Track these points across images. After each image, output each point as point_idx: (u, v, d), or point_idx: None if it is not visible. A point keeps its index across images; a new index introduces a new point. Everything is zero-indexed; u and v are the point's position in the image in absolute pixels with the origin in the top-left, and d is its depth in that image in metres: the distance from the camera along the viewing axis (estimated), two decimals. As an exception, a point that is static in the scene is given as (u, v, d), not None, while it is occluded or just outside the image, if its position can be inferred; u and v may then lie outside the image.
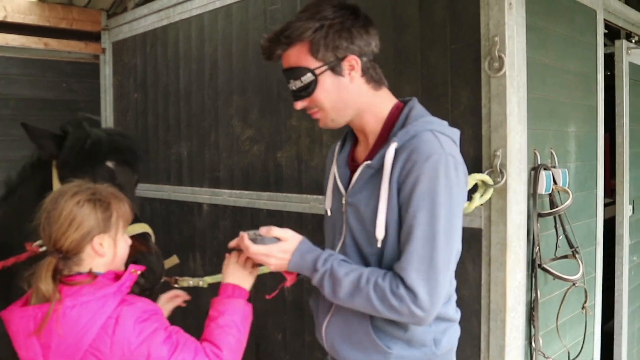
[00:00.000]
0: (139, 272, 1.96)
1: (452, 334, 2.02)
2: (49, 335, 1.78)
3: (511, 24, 2.75)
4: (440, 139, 1.81)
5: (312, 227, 3.68)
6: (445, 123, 1.95)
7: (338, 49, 1.87)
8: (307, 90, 1.92)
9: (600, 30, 3.69)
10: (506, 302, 2.80)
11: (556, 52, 3.24)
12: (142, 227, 2.57)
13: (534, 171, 3.00)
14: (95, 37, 6.00)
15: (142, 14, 5.43)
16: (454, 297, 2.07)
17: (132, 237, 2.45)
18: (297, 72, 1.91)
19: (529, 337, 3.03)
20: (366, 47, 1.91)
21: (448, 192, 1.74)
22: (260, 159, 4.17)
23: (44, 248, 2.21)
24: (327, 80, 1.90)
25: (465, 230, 2.87)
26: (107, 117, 5.96)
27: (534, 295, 3.02)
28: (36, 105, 5.57)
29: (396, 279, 1.77)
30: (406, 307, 1.74)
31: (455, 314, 2.04)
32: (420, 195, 1.75)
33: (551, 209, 3.13)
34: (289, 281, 2.06)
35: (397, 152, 1.83)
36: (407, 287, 1.74)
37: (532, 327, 3.01)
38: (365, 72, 1.94)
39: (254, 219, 4.16)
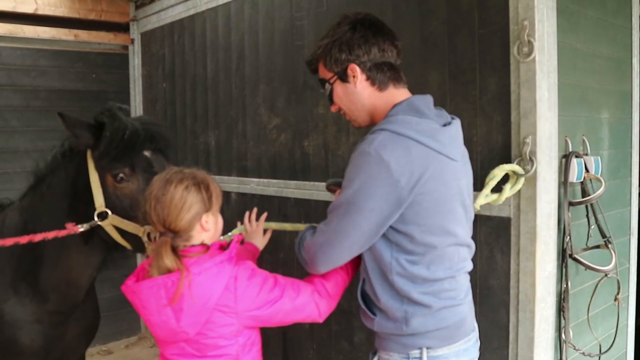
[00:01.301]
0: (241, 240, 2.24)
1: (427, 321, 2.13)
2: (180, 300, 2.02)
3: (541, 7, 2.67)
4: (379, 137, 2.03)
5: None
6: (412, 122, 2.09)
7: (340, 61, 2.22)
8: (330, 96, 2.32)
9: (636, 12, 3.58)
10: (535, 293, 2.75)
11: (588, 36, 3.15)
12: None
13: (565, 159, 2.94)
14: (123, 28, 6.06)
15: (169, 4, 5.45)
16: (437, 285, 2.14)
17: None
18: (322, 82, 2.33)
19: (559, 329, 2.97)
20: (365, 55, 2.19)
21: (359, 182, 2.01)
22: (288, 148, 4.16)
23: (82, 229, 2.59)
24: (338, 88, 2.28)
25: (494, 219, 2.86)
26: (136, 107, 6.02)
27: (564, 286, 2.96)
28: (66, 96, 5.65)
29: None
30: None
31: (433, 301, 2.13)
32: (345, 177, 2.10)
33: (583, 197, 3.07)
34: None
35: None
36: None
37: (562, 318, 2.95)
38: (368, 77, 2.21)
39: (282, 207, 4.15)
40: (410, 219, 2.03)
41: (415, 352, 2.15)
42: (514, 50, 2.74)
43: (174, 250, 2.08)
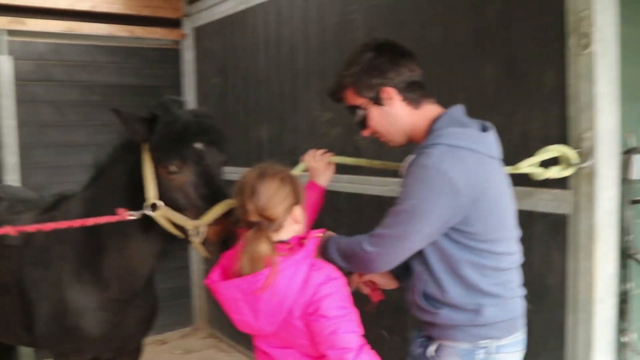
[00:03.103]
0: (320, 235, 2.31)
1: (498, 311, 2.23)
2: (256, 301, 2.10)
3: (601, -4, 2.58)
4: (435, 150, 2.12)
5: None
6: (460, 133, 2.19)
7: (373, 86, 2.31)
8: (363, 122, 2.40)
9: (703, 1, 3.42)
10: (595, 293, 2.67)
11: (651, 26, 3.02)
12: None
13: (626, 155, 2.82)
14: (176, 23, 6.14)
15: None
16: (504, 276, 2.26)
17: (222, 217, 2.55)
18: (352, 110, 2.41)
19: (620, 332, 2.87)
20: (397, 76, 2.29)
21: (420, 192, 2.11)
22: (339, 142, 4.13)
23: (133, 217, 2.65)
24: (373, 112, 2.36)
25: (550, 217, 2.79)
26: (189, 102, 6.05)
27: (626, 286, 2.85)
28: (121, 91, 5.77)
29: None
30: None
31: (503, 291, 2.25)
32: (405, 189, 2.17)
33: None
34: (375, 297, 2.67)
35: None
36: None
37: (623, 320, 2.85)
38: (404, 97, 2.32)
39: (334, 201, 4.13)
40: (473, 221, 2.15)
41: (483, 342, 2.24)
42: (571, 42, 2.67)
43: (269, 239, 2.16)
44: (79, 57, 5.60)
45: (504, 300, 2.24)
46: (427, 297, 2.29)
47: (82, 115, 5.61)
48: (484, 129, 2.31)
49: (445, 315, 2.25)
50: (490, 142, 2.27)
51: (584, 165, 2.62)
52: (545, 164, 2.66)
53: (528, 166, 2.62)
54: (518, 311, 2.32)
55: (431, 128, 2.27)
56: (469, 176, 2.11)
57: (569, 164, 2.65)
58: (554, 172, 2.65)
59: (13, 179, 5.25)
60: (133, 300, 3.07)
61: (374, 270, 2.31)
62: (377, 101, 2.33)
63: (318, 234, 2.29)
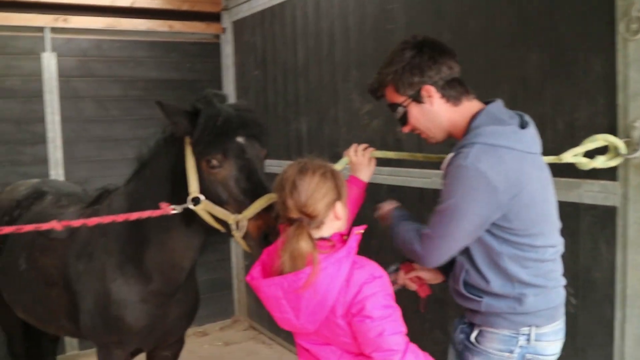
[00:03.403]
0: (362, 232, 2.22)
1: (538, 301, 2.26)
2: (297, 299, 2.08)
3: (652, -21, 2.50)
4: (473, 150, 2.16)
5: (433, 203, 3.57)
6: (498, 131, 2.22)
7: (413, 84, 2.34)
8: (404, 119, 2.44)
9: None
10: None
11: None
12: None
13: None
14: (216, 17, 6.18)
15: (260, -8, 5.48)
16: (545, 267, 2.29)
17: (262, 211, 2.55)
18: (393, 107, 2.45)
19: None
20: (437, 74, 2.33)
21: (460, 192, 2.16)
22: (380, 134, 4.10)
23: (176, 211, 2.69)
24: (413, 110, 2.40)
25: (598, 208, 2.72)
26: (229, 95, 6.04)
27: None
28: (162, 86, 5.83)
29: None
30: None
31: (544, 282, 2.28)
32: (445, 189, 2.23)
33: None
34: (423, 293, 2.68)
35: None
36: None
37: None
38: (443, 94, 2.35)
39: (375, 194, 4.08)
40: (514, 217, 2.18)
41: (524, 329, 2.28)
42: (621, 27, 2.58)
43: (310, 236, 2.12)
44: (120, 52, 5.69)
45: (545, 289, 2.28)
46: (470, 286, 2.34)
47: (123, 109, 5.69)
48: (523, 124, 2.32)
49: (487, 303, 2.29)
50: (529, 138, 2.29)
51: (632, 156, 2.54)
52: (592, 153, 2.59)
53: (573, 156, 2.56)
54: (559, 300, 2.34)
55: (469, 126, 2.31)
56: (507, 174, 2.15)
57: (616, 154, 2.57)
58: (600, 162, 2.58)
59: (58, 173, 5.37)
60: (175, 293, 3.10)
61: (425, 265, 2.36)
62: (417, 99, 2.36)
63: (360, 230, 2.23)
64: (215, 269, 6.14)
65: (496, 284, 2.26)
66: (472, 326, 2.41)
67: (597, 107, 2.74)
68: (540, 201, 2.26)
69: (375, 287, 2.10)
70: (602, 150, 2.60)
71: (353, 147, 2.81)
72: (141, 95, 5.73)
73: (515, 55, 3.09)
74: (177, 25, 5.95)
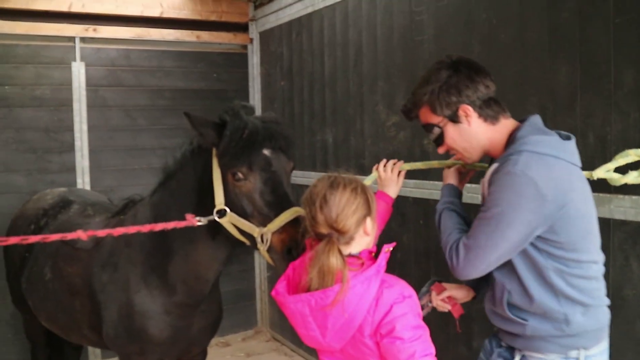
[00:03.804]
0: (391, 249, 2.17)
1: (586, 320, 2.21)
2: (324, 318, 2.03)
3: (688, -9, 2.45)
4: (522, 157, 2.13)
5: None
6: (545, 140, 2.20)
7: (451, 104, 2.31)
8: (439, 139, 2.40)
9: None
10: None
11: None
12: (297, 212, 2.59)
13: None
14: (243, 27, 6.22)
15: (287, 3, 5.51)
16: (590, 284, 2.23)
17: (287, 225, 2.52)
18: (428, 127, 2.41)
19: None
20: (474, 94, 2.29)
21: (507, 199, 2.12)
22: (406, 146, 4.07)
23: (201, 222, 2.66)
24: (450, 130, 2.36)
25: (630, 224, 2.68)
26: (255, 106, 6.10)
27: None
28: (189, 95, 5.87)
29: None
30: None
31: (589, 300, 2.21)
32: (491, 197, 2.18)
33: None
34: (456, 313, 2.62)
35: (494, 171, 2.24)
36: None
37: None
38: (480, 114, 2.32)
39: (400, 206, 4.07)
40: (559, 229, 2.13)
41: (573, 352, 2.22)
42: (654, 39, 2.53)
43: (340, 253, 2.08)
44: (148, 62, 5.74)
45: (591, 308, 2.21)
46: (513, 307, 2.27)
47: (150, 119, 5.73)
48: (565, 138, 2.29)
49: (533, 326, 2.22)
50: (573, 150, 2.27)
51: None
52: (624, 168, 2.53)
53: (605, 172, 2.50)
54: (605, 320, 2.28)
55: (514, 137, 2.27)
56: (556, 183, 2.11)
57: (647, 168, 2.51)
58: (633, 178, 2.51)
59: (84, 181, 5.41)
60: (198, 305, 3.09)
61: (460, 277, 2.27)
62: (454, 119, 2.33)
63: (389, 248, 2.18)
64: (238, 280, 6.14)
65: (542, 301, 2.19)
66: (511, 350, 2.35)
67: (628, 121, 2.68)
68: (585, 215, 2.22)
69: (406, 308, 2.05)
70: (634, 166, 2.53)
71: (382, 162, 2.78)
72: (168, 104, 5.77)
73: (545, 67, 3.05)
74: (205, 36, 5.99)
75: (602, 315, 2.26)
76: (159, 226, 2.62)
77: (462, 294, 2.61)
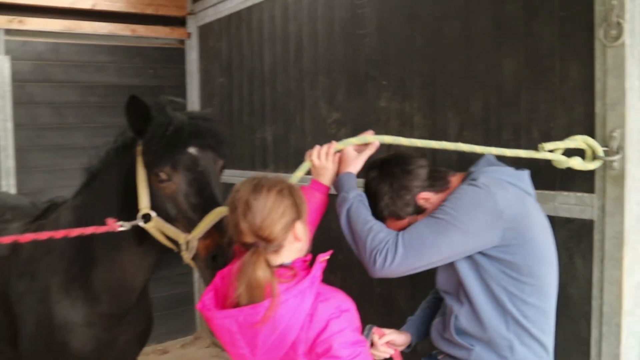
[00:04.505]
0: (327, 258, 2.04)
1: (529, 351, 2.25)
2: (255, 334, 1.88)
3: (632, -16, 2.44)
4: (481, 178, 2.28)
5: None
6: (501, 169, 2.36)
7: (409, 203, 2.41)
8: None
9: None
10: (622, 304, 2.51)
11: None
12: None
13: None
14: (180, 22, 6.04)
15: (227, -4, 5.36)
16: (540, 316, 2.30)
17: (212, 229, 2.35)
18: None
19: None
20: (419, 180, 2.41)
21: (464, 206, 2.19)
22: (348, 144, 3.97)
23: (123, 228, 2.48)
24: (420, 219, 2.37)
25: (575, 222, 2.65)
26: (193, 103, 5.98)
27: None
28: (123, 92, 5.50)
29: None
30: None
31: (538, 332, 2.27)
32: (448, 202, 2.26)
33: None
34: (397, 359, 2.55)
35: None
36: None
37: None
38: (435, 191, 2.42)
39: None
40: (516, 251, 2.20)
41: None
42: (599, 33, 2.50)
43: (268, 263, 1.93)
44: (79, 56, 5.50)
45: (539, 344, 2.26)
46: (462, 332, 2.30)
47: (81, 117, 5.50)
48: (520, 169, 2.42)
49: (478, 353, 2.26)
50: (528, 180, 2.38)
51: (611, 159, 2.46)
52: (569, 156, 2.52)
53: (553, 147, 2.48)
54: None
55: (468, 173, 2.39)
56: (512, 204, 2.21)
57: (594, 157, 2.49)
58: (579, 163, 2.49)
59: (9, 183, 5.14)
60: (125, 315, 2.92)
61: (383, 275, 2.23)
62: (419, 210, 2.42)
63: (325, 257, 2.04)
64: (175, 284, 5.95)
65: (491, 324, 2.22)
66: None
67: (574, 116, 2.65)
68: (543, 242, 2.29)
69: (343, 323, 1.91)
70: (580, 155, 2.52)
71: (315, 148, 2.56)
72: (100, 101, 5.54)
73: (490, 62, 3.01)
74: (140, 30, 5.78)
75: (549, 355, 2.32)
76: (75, 232, 2.43)
77: (401, 340, 2.58)
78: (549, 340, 2.31)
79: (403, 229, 2.32)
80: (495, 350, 2.23)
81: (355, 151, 2.54)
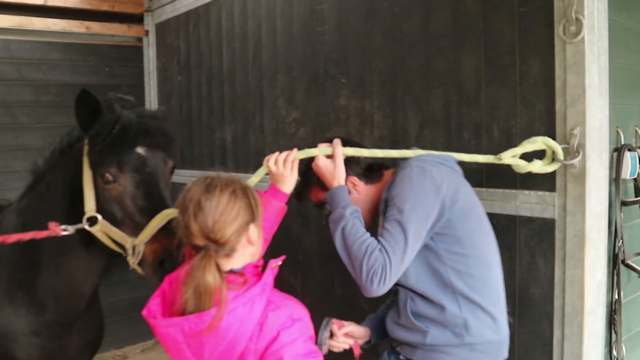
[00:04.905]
0: (279, 264, 1.95)
1: (485, 328, 2.26)
2: (201, 344, 1.78)
3: (590, -20, 2.41)
4: (413, 161, 2.35)
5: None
6: (426, 155, 2.42)
7: None
8: None
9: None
10: (584, 304, 2.49)
11: (641, 13, 2.87)
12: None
13: (617, 153, 2.71)
14: (138, 19, 5.90)
15: (184, -7, 5.25)
16: (488, 288, 2.31)
17: (159, 232, 2.24)
18: (320, 205, 2.53)
19: (610, 344, 2.74)
20: (358, 166, 2.48)
21: (411, 195, 2.24)
22: (307, 143, 3.86)
23: (67, 232, 2.38)
24: None
25: (536, 221, 2.62)
26: (152, 102, 5.86)
27: (615, 295, 2.73)
28: (77, 91, 5.37)
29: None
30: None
31: (490, 306, 2.29)
32: (396, 198, 2.29)
33: (636, 196, 2.86)
34: (357, 350, 2.57)
35: None
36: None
37: (613, 332, 2.67)
38: (366, 181, 2.50)
39: (302, 208, 3.91)
40: (457, 223, 2.25)
41: None
42: (559, 29, 2.48)
43: (218, 267, 1.82)
44: (31, 54, 5.32)
45: (491, 317, 2.27)
46: (418, 314, 2.30)
47: (34, 116, 5.32)
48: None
49: (433, 334, 2.26)
50: (453, 160, 2.46)
51: (569, 162, 2.44)
52: (529, 158, 2.49)
53: (512, 156, 2.45)
54: (504, 333, 2.34)
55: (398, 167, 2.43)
56: (445, 177, 2.28)
57: (554, 159, 2.47)
58: (538, 166, 2.47)
59: (-43, 185, 4.93)
60: (74, 322, 2.81)
61: (374, 293, 2.18)
62: None
63: (277, 263, 1.95)
64: (135, 288, 5.74)
65: (442, 303, 2.24)
66: None
67: (534, 114, 2.64)
68: (479, 213, 2.37)
69: (295, 333, 1.81)
70: (539, 155, 2.50)
71: (274, 155, 2.42)
72: (54, 100, 5.37)
73: (449, 59, 2.97)
74: (96, 27, 5.63)
75: (503, 327, 2.33)
76: (13, 237, 2.31)
77: (360, 333, 2.58)
78: (499, 312, 2.30)
79: (323, 204, 2.45)
80: (451, 329, 2.24)
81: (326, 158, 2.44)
